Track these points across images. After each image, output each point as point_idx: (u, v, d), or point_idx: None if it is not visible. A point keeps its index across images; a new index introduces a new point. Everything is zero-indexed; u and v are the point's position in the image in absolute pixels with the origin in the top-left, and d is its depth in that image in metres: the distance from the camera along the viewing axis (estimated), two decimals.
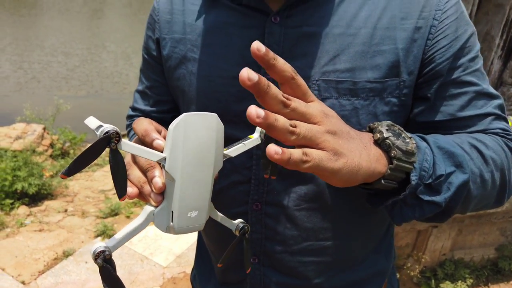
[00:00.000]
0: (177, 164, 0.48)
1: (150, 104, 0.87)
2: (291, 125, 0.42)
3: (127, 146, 0.46)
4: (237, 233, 0.59)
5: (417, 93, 0.68)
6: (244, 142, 0.56)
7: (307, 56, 0.65)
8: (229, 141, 0.63)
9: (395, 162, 0.52)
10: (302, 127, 0.43)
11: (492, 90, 0.68)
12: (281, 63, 0.43)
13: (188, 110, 0.75)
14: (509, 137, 0.67)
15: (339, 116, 0.53)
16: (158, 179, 0.50)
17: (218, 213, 0.58)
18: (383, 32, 0.64)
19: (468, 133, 0.66)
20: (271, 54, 0.42)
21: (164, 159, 0.48)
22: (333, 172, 0.45)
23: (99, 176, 4.81)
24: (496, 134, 0.66)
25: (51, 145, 5.09)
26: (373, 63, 0.64)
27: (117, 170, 0.46)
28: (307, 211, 0.72)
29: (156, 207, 0.51)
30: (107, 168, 4.97)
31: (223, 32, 0.69)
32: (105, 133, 0.43)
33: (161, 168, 0.52)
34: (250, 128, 0.64)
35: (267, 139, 0.56)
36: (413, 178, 0.53)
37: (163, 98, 0.84)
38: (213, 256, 0.90)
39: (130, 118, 0.92)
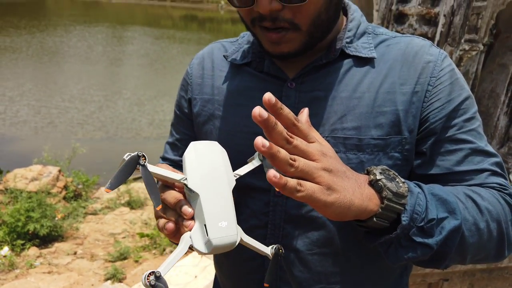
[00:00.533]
0: (197, 180, 0.57)
1: (179, 154, 0.96)
2: (291, 159, 0.51)
3: (153, 168, 0.56)
4: (271, 255, 0.65)
5: (415, 148, 0.76)
6: (247, 167, 0.65)
7: (318, 116, 0.75)
8: (247, 188, 0.77)
9: (385, 202, 0.59)
10: (301, 162, 0.51)
11: (489, 148, 0.74)
12: (286, 112, 0.53)
13: None
14: (505, 191, 0.72)
15: None
16: (187, 206, 0.57)
17: (250, 238, 0.65)
18: (384, 96, 0.73)
19: (465, 186, 0.72)
20: (279, 104, 0.52)
21: (185, 178, 0.57)
22: (325, 205, 0.52)
23: (110, 219, 4.85)
24: (493, 188, 0.72)
25: (65, 187, 5.19)
26: (377, 122, 0.73)
27: (150, 183, 0.54)
28: (319, 255, 0.78)
29: (190, 230, 0.58)
30: (118, 211, 5.02)
31: (246, 95, 0.80)
32: (134, 155, 0.53)
33: (184, 189, 0.61)
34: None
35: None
36: (404, 218, 0.60)
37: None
38: None
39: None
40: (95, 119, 8.28)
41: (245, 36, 0.87)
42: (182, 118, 0.93)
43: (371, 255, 0.78)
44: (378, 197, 0.60)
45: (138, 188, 5.66)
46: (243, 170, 0.64)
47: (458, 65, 2.30)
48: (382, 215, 0.59)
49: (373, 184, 0.60)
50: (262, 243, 0.79)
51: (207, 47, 0.93)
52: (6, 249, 3.82)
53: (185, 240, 0.57)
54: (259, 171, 0.75)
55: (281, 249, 0.65)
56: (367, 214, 0.59)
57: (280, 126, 0.51)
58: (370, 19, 2.79)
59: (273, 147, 0.49)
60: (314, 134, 0.59)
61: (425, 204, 0.61)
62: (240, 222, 0.80)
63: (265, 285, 0.64)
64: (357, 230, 0.67)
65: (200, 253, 0.58)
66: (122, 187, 5.38)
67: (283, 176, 0.49)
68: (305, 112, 0.63)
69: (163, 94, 9.65)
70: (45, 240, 4.16)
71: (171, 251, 0.60)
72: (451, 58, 2.26)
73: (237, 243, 0.59)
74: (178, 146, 0.96)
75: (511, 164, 2.59)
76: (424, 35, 2.25)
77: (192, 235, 0.57)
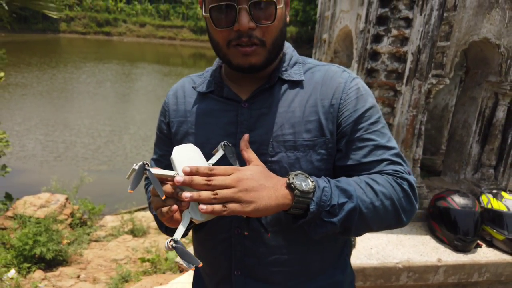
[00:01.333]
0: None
1: (162, 167, 1.24)
2: (213, 194, 0.76)
3: (155, 170, 0.82)
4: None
5: (336, 146, 1.00)
6: (216, 157, 0.91)
7: (264, 127, 0.99)
8: None
9: (296, 198, 0.85)
10: (221, 193, 0.77)
11: (389, 144, 0.97)
12: (200, 170, 0.79)
13: None
14: (398, 175, 0.96)
15: (288, 163, 0.96)
16: (185, 192, 0.79)
17: None
18: (310, 109, 0.99)
19: (368, 174, 0.97)
20: (194, 170, 0.79)
21: (177, 173, 0.82)
22: (247, 213, 0.80)
23: (113, 246, 5.02)
24: (389, 174, 0.95)
25: (71, 215, 5.40)
26: (306, 128, 0.97)
27: (155, 181, 0.81)
28: (272, 233, 1.01)
29: (187, 208, 0.83)
30: (121, 238, 5.19)
31: (211, 115, 1.05)
32: (141, 164, 0.80)
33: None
34: None
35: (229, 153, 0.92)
36: (311, 207, 0.85)
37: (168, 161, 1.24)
38: (206, 277, 1.17)
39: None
40: (100, 154, 8.58)
41: (209, 71, 1.12)
42: (162, 138, 1.17)
43: None
44: (291, 195, 0.84)
45: (142, 216, 5.85)
46: (214, 159, 0.90)
47: (427, 97, 2.56)
48: (296, 207, 0.85)
49: (288, 186, 0.85)
50: (228, 227, 1.03)
51: (180, 81, 1.18)
52: (13, 271, 4.00)
53: (186, 214, 0.82)
54: None
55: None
56: (286, 207, 0.84)
57: (196, 179, 0.77)
58: (351, 56, 3.09)
59: (194, 195, 0.75)
60: (250, 154, 0.88)
61: (330, 194, 0.86)
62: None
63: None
64: None
65: (197, 221, 0.81)
66: (126, 216, 5.59)
67: (210, 206, 0.75)
68: (244, 138, 0.89)
69: None
70: (50, 264, 4.34)
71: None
72: (421, 91, 2.52)
73: None
74: (161, 161, 1.19)
75: (484, 188, 2.79)
76: (395, 71, 2.52)
77: (190, 210, 0.82)
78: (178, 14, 38.97)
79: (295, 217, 0.90)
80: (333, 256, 1.11)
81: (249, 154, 0.87)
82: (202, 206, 0.74)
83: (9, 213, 5.26)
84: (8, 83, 13.62)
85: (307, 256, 1.05)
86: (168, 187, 0.81)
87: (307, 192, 0.84)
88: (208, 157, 0.91)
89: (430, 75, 2.50)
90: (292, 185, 0.84)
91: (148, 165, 0.79)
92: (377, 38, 2.51)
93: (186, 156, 0.84)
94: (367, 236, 2.50)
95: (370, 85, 2.57)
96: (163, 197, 0.79)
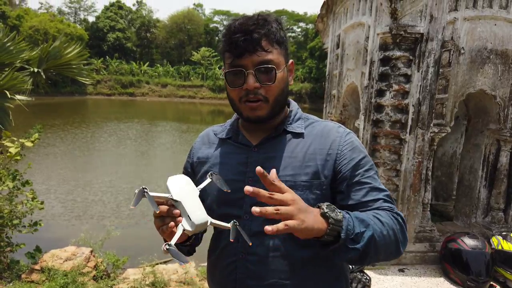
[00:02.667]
0: (177, 194, 0.97)
1: None
2: (275, 209, 0.86)
3: (152, 193, 0.95)
4: (230, 226, 0.99)
5: (336, 188, 1.13)
6: (203, 183, 1.04)
7: (269, 168, 1.02)
8: (225, 217, 1.07)
9: (331, 225, 1.00)
10: (282, 209, 0.87)
11: (382, 186, 1.13)
12: (267, 178, 0.89)
13: (207, 201, 1.21)
14: (393, 211, 1.13)
15: None
16: (175, 210, 0.94)
17: (216, 221, 0.99)
18: (309, 156, 1.14)
19: (370, 210, 1.10)
20: (264, 173, 0.88)
21: (171, 195, 0.97)
22: (300, 231, 0.94)
23: None
24: (385, 209, 1.11)
25: (95, 267, 5.54)
26: (305, 172, 1.12)
27: (152, 201, 0.94)
28: (273, 258, 1.14)
29: (181, 222, 0.94)
30: None
31: (228, 156, 1.23)
32: (140, 188, 0.95)
33: (171, 202, 0.97)
34: (239, 207, 1.14)
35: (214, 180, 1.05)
36: (342, 234, 1.00)
37: None
38: None
39: None
40: (121, 210, 8.83)
41: (229, 122, 1.32)
42: (187, 175, 1.25)
43: (314, 259, 1.15)
44: (326, 223, 0.96)
45: (163, 269, 5.94)
46: (202, 186, 1.04)
47: (431, 145, 2.75)
48: (329, 234, 0.96)
49: (323, 214, 0.96)
50: (234, 251, 1.20)
51: (206, 130, 1.40)
52: None
53: (179, 227, 0.94)
54: (233, 204, 1.16)
55: (236, 222, 1.00)
56: (321, 233, 0.95)
57: (262, 192, 0.87)
58: (359, 109, 3.35)
59: (262, 210, 0.85)
60: (282, 185, 0.99)
61: (353, 224, 0.99)
62: (221, 238, 1.25)
63: (231, 240, 0.98)
64: (297, 239, 1.03)
65: (189, 232, 0.94)
66: (148, 268, 5.69)
67: (273, 226, 0.85)
68: (273, 171, 0.95)
69: None
70: None
71: None
72: (424, 139, 2.71)
73: (209, 222, 0.96)
74: None
75: (495, 231, 2.87)
76: (398, 121, 2.75)
77: (183, 223, 0.95)
78: (198, 75, 40.92)
79: (324, 243, 1.00)
80: (330, 282, 1.24)
81: (281, 184, 0.95)
82: (268, 228, 0.84)
83: (37, 266, 5.45)
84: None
85: (304, 281, 1.20)
86: (164, 208, 0.96)
87: (339, 221, 0.97)
88: (222, 196, 1.11)
89: (431, 125, 2.71)
90: (327, 214, 0.96)
91: (147, 189, 0.94)
92: (380, 93, 2.77)
93: (178, 183, 1.00)
94: (382, 278, 2.59)
95: (376, 135, 2.79)
96: (158, 212, 0.94)
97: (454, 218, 3.27)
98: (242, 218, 1.14)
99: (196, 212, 0.96)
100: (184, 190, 0.99)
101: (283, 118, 1.22)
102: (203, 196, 1.17)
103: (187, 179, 1.02)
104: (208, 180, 1.07)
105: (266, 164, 1.13)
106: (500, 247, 2.60)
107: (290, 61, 1.20)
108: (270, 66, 1.08)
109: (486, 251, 2.53)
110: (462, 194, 3.17)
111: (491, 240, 2.74)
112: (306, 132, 1.21)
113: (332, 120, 2.38)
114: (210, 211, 1.14)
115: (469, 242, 2.54)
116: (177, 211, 0.95)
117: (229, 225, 1.00)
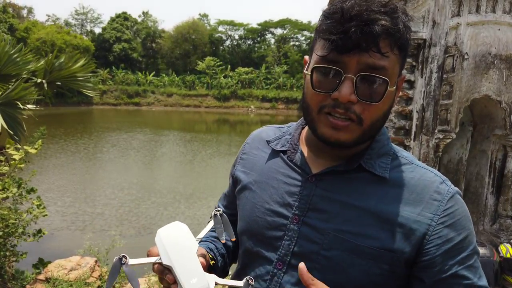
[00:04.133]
0: (166, 257, 0.75)
1: (223, 205, 1.15)
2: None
3: (133, 261, 0.74)
4: (243, 285, 0.78)
5: (415, 272, 0.82)
6: (204, 230, 0.83)
7: (326, 213, 0.83)
8: (256, 255, 0.90)
9: None
10: None
11: (482, 283, 0.80)
12: (308, 279, 0.72)
13: (239, 223, 0.98)
14: None
15: (341, 265, 0.81)
16: (169, 275, 0.74)
17: (224, 279, 0.81)
18: (387, 215, 0.80)
19: None
20: (310, 276, 0.72)
21: (159, 258, 0.75)
22: None
23: None
24: None
25: (100, 277, 5.53)
26: (375, 235, 0.79)
27: (131, 277, 0.74)
28: None
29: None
30: None
31: (275, 177, 0.92)
32: (117, 258, 0.75)
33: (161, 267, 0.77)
34: (273, 248, 0.87)
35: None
36: None
37: (230, 205, 1.10)
38: None
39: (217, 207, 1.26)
40: (129, 221, 8.83)
41: (290, 128, 1.02)
42: (230, 183, 1.11)
43: None
44: None
45: None
46: (202, 234, 0.83)
47: (436, 151, 2.72)
48: None
49: None
50: None
51: (261, 129, 1.09)
52: None
53: None
54: (266, 242, 0.89)
55: (251, 280, 0.77)
56: None
57: (305, 277, 0.72)
58: None
59: (305, 274, 0.72)
60: (319, 285, 0.74)
61: None
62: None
63: None
64: None
65: None
66: (153, 278, 5.67)
67: None
68: (302, 268, 0.74)
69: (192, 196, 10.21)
70: None
71: None
72: (429, 145, 2.68)
73: (212, 286, 0.76)
74: (224, 199, 1.16)
75: (503, 239, 2.82)
76: (402, 128, 2.72)
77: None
78: (203, 84, 41.12)
79: None
80: None
81: (317, 285, 0.74)
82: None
83: (41, 276, 5.44)
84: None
85: None
86: (158, 269, 0.77)
87: None
88: (253, 225, 0.89)
89: (436, 131, 2.69)
90: None
91: (126, 258, 0.74)
92: None
93: (169, 239, 0.78)
94: None
95: None
96: None
97: None
98: (273, 265, 0.87)
99: (190, 280, 0.74)
100: (175, 250, 0.77)
101: (364, 148, 0.87)
102: (239, 214, 0.99)
103: (181, 231, 0.79)
104: (210, 225, 0.84)
105: (322, 205, 0.85)
106: (508, 255, 2.55)
107: (403, 74, 0.86)
108: (381, 77, 0.75)
109: (494, 259, 2.48)
110: (469, 201, 3.12)
111: (499, 248, 2.69)
112: (390, 176, 0.84)
113: None
114: (239, 242, 0.98)
115: None
116: (170, 277, 0.74)
117: (241, 283, 0.77)
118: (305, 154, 0.92)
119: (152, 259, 0.77)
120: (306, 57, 0.87)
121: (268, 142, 1.00)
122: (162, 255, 0.76)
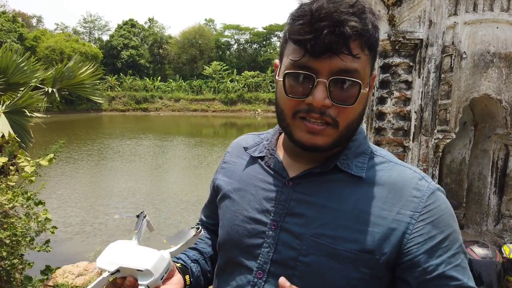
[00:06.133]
0: (112, 264, 0.77)
1: (205, 215, 1.15)
2: None
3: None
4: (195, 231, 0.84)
5: (399, 274, 0.78)
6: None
7: (304, 217, 0.81)
8: (237, 264, 0.88)
9: None
10: None
11: (472, 284, 0.76)
12: None
13: (220, 232, 0.97)
14: None
15: (320, 271, 0.78)
16: (128, 278, 0.76)
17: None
18: (365, 216, 0.78)
19: None
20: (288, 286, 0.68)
21: (107, 272, 0.77)
22: None
23: None
24: None
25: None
26: (353, 237, 0.77)
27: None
28: None
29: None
30: None
31: (253, 183, 0.91)
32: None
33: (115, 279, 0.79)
34: (253, 257, 0.85)
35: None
36: None
37: (212, 215, 1.10)
38: None
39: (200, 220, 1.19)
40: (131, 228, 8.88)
41: (269, 134, 1.01)
42: (211, 192, 1.10)
43: None
44: None
45: None
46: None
47: (436, 151, 2.70)
48: None
49: None
50: None
51: (241, 137, 1.09)
52: None
53: None
54: (246, 251, 0.87)
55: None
56: None
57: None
58: None
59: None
60: None
61: None
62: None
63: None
64: None
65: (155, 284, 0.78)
66: None
67: None
68: (282, 283, 0.70)
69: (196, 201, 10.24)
70: None
71: None
72: (428, 146, 2.66)
73: (166, 256, 0.83)
74: (207, 208, 1.15)
75: (507, 239, 2.78)
76: (401, 128, 2.71)
77: (140, 282, 0.77)
78: (210, 88, 41.35)
79: None
80: None
81: None
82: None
83: (50, 283, 5.49)
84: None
85: None
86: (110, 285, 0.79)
87: None
88: (233, 234, 0.90)
89: (435, 131, 2.67)
90: None
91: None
92: (382, 100, 2.74)
93: (110, 253, 0.80)
94: None
95: (379, 143, 2.75)
96: None
97: (465, 226, 3.19)
98: (253, 274, 0.85)
99: (143, 263, 0.77)
100: (117, 254, 0.79)
101: (341, 148, 0.85)
102: (220, 223, 0.98)
103: (114, 244, 0.83)
104: (143, 223, 0.90)
105: (300, 209, 0.83)
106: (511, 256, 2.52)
107: (374, 73, 0.84)
108: (354, 80, 0.74)
109: (497, 260, 2.45)
110: (472, 201, 3.09)
111: (502, 249, 2.66)
112: (368, 176, 0.83)
113: None
114: (220, 251, 0.97)
115: (478, 251, 2.47)
116: (130, 279, 0.76)
117: (192, 231, 0.84)
118: (282, 158, 0.90)
119: (101, 277, 0.76)
120: (277, 61, 0.86)
121: (245, 149, 0.99)
122: (107, 267, 0.76)
